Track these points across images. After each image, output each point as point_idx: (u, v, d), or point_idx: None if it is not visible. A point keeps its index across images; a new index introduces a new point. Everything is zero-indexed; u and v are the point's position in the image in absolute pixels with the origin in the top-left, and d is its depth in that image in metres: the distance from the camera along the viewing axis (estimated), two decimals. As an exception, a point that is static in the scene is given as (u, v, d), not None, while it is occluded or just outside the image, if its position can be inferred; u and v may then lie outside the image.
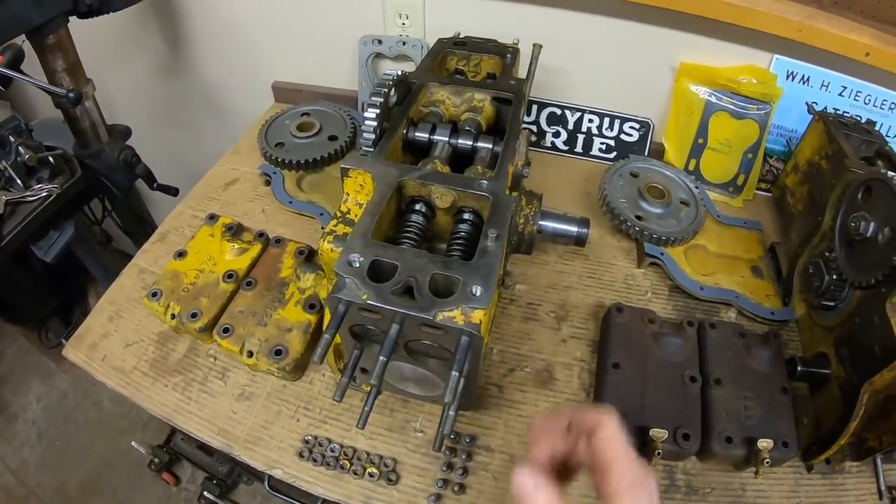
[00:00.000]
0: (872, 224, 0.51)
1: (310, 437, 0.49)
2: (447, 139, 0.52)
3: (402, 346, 0.40)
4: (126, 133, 0.89)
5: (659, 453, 0.49)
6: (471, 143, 0.52)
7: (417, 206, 0.46)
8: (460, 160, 0.52)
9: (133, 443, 1.34)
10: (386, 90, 0.47)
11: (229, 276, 0.59)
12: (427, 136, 0.52)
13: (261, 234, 0.64)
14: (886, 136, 0.74)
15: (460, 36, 0.69)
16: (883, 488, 0.52)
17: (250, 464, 0.48)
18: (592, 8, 0.72)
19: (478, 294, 0.36)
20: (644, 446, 0.50)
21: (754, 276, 0.68)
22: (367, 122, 0.46)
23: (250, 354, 0.53)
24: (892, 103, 0.73)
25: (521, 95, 0.56)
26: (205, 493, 1.23)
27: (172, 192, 0.97)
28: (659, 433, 0.48)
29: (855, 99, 0.75)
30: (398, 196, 0.46)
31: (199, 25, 0.94)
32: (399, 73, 0.51)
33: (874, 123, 0.72)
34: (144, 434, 1.40)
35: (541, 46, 0.63)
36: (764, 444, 0.50)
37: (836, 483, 0.54)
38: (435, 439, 0.39)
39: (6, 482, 1.30)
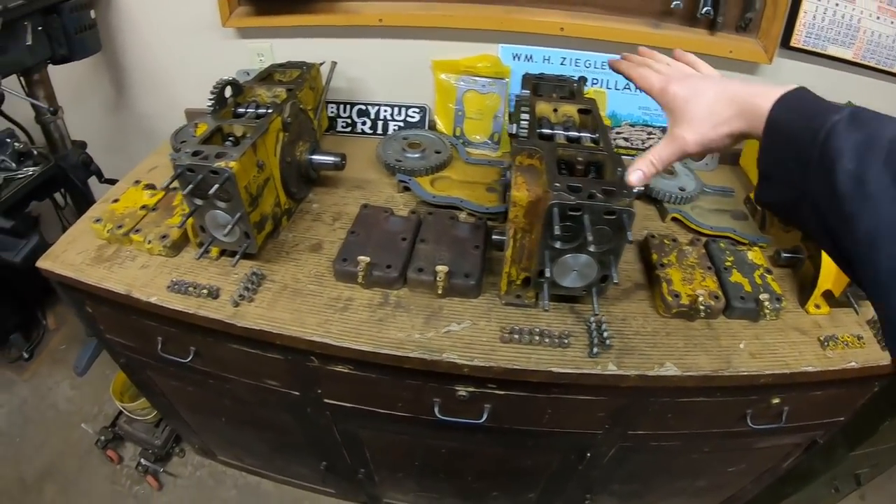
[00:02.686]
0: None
1: (175, 280, 1.16)
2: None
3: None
4: (83, 144, 1.68)
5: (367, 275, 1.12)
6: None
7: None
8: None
9: (83, 424, 2.05)
10: (221, 85, 1.20)
11: (143, 207, 1.28)
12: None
13: (166, 187, 1.37)
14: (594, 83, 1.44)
15: (287, 61, 1.44)
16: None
17: (141, 297, 1.16)
18: (371, 35, 1.47)
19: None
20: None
21: (487, 192, 1.34)
22: (210, 97, 1.18)
23: (149, 242, 1.19)
24: (588, 61, 1.43)
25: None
26: (142, 460, 1.90)
27: (115, 183, 1.75)
28: (364, 258, 1.12)
29: (576, 65, 1.45)
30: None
31: (137, 71, 1.75)
32: (231, 77, 1.25)
33: (586, 80, 1.40)
34: (95, 423, 2.10)
35: (335, 63, 1.38)
36: (440, 268, 1.10)
37: (529, 311, 1.10)
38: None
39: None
